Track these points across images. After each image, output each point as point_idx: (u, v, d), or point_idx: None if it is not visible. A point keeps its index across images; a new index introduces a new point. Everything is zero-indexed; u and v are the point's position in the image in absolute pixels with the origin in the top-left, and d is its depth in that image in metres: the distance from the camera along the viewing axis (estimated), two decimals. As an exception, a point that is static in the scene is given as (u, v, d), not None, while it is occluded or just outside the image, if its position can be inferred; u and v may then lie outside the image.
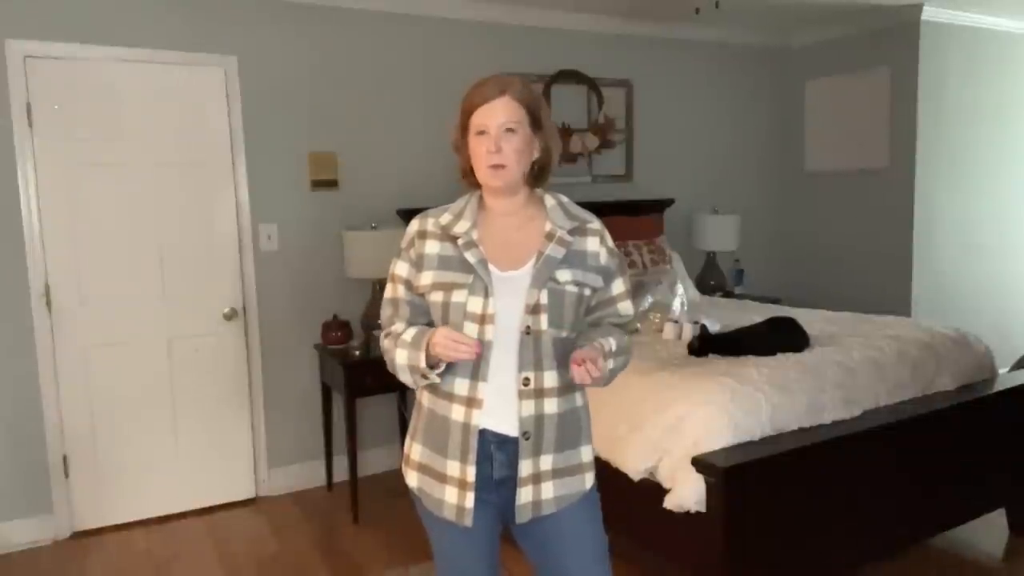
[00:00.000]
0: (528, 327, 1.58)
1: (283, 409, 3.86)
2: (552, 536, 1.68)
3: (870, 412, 2.72)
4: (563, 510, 1.65)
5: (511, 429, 1.60)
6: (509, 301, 1.59)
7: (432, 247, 1.64)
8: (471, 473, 1.59)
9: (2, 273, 3.24)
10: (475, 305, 1.58)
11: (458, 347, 1.51)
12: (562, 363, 1.61)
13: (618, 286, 1.74)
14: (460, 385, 1.60)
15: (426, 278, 1.63)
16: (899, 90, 4.70)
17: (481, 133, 1.61)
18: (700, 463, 2.29)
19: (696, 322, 3.30)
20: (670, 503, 2.38)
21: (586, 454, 1.71)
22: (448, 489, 1.62)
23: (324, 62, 3.82)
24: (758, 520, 2.30)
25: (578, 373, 1.53)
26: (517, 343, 1.58)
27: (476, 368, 1.58)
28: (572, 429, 1.66)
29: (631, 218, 4.47)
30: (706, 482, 2.27)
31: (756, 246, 5.35)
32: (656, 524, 2.50)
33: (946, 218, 4.86)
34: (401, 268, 1.71)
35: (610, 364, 1.61)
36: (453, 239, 1.64)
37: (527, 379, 1.59)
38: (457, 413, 1.60)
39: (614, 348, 1.63)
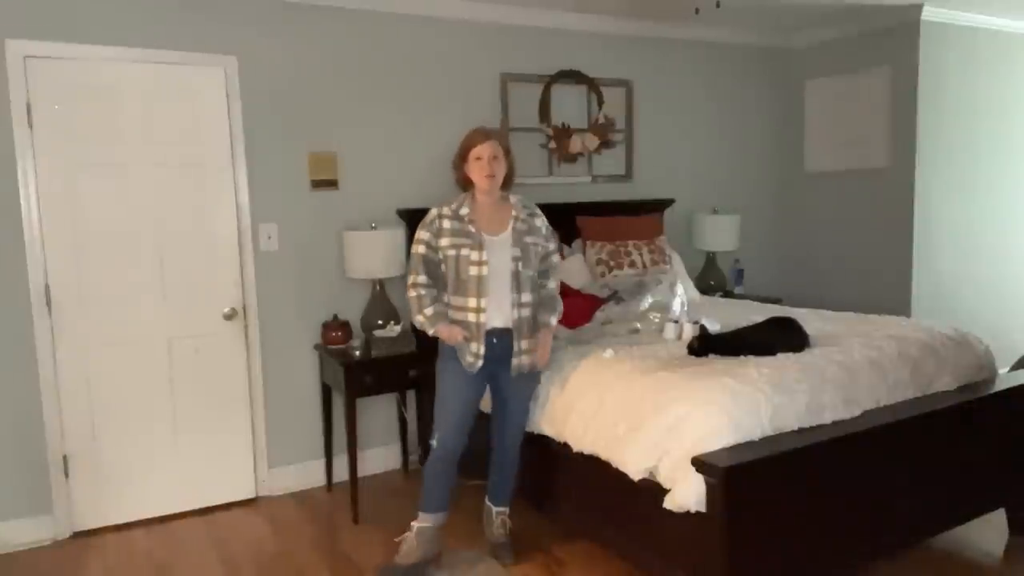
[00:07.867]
0: (514, 270, 2.82)
1: (283, 409, 3.86)
2: (514, 388, 2.95)
3: (870, 412, 2.71)
4: (523, 374, 2.92)
5: (508, 324, 2.83)
6: (499, 254, 2.81)
7: (447, 223, 2.84)
8: (482, 350, 2.82)
9: (2, 273, 3.24)
10: (475, 256, 2.78)
11: (452, 338, 2.82)
12: (531, 289, 2.88)
13: (553, 245, 3.02)
14: (472, 302, 2.79)
15: (445, 241, 2.83)
16: (899, 90, 4.71)
17: (478, 159, 2.83)
18: (700, 463, 2.28)
19: (696, 322, 3.30)
20: (670, 503, 2.38)
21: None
22: (470, 356, 2.83)
23: (324, 62, 3.82)
24: (758, 520, 2.30)
25: (540, 362, 2.94)
26: (509, 278, 2.82)
27: (479, 291, 2.78)
28: (533, 324, 2.91)
29: (631, 218, 4.46)
30: (706, 482, 2.27)
31: (756, 246, 5.35)
32: (656, 524, 2.50)
33: (946, 218, 4.86)
34: (423, 235, 2.87)
35: (552, 332, 2.98)
36: (459, 218, 2.84)
37: (515, 298, 2.82)
38: (472, 317, 2.80)
39: (555, 322, 2.97)
